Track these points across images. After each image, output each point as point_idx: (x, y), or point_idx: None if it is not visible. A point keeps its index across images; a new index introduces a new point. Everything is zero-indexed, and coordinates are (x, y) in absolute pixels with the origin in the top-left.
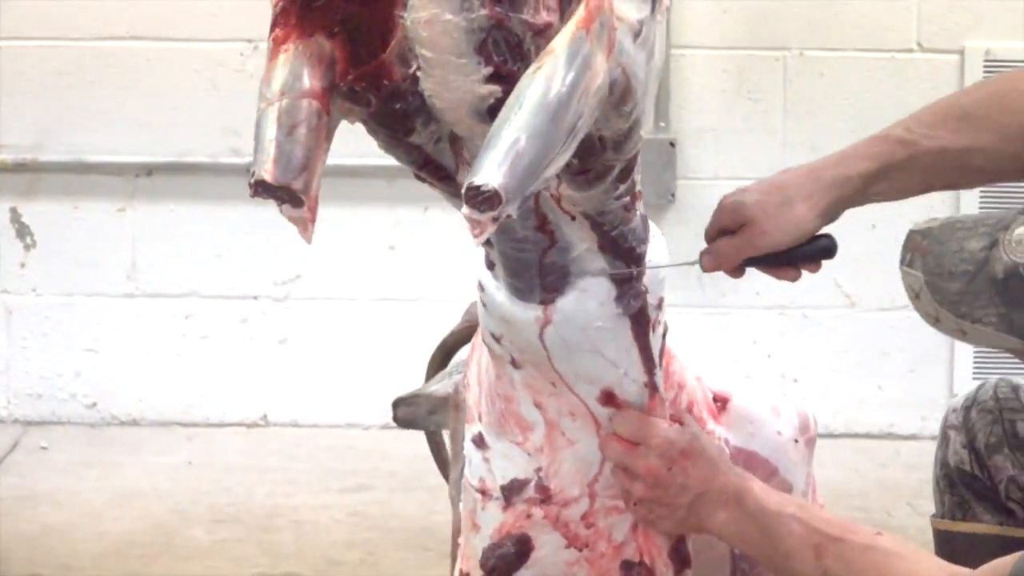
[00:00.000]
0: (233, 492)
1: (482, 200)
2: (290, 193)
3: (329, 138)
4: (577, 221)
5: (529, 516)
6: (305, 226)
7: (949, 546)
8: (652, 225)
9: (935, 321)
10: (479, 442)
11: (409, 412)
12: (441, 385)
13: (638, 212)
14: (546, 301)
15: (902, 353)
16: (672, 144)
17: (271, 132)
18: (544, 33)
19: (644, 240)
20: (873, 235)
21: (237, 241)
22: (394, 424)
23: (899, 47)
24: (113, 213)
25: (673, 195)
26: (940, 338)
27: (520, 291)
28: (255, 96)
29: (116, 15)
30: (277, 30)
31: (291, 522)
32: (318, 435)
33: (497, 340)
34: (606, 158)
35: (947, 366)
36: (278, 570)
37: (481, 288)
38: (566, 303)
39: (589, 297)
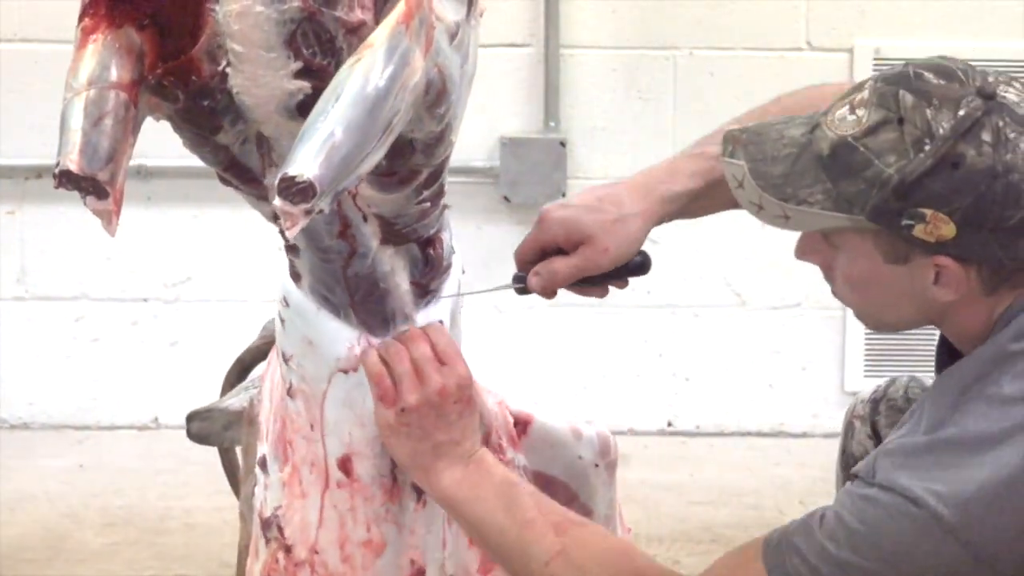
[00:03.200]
0: (125, 495)
1: (296, 191)
2: (95, 184)
3: (136, 132)
4: (369, 221)
5: (277, 561)
6: (110, 219)
7: None
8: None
9: (758, 209)
10: (262, 465)
11: (204, 427)
12: (237, 399)
13: (441, 213)
14: (369, 324)
15: (793, 352)
16: (562, 144)
17: (77, 122)
18: (357, 31)
19: (447, 243)
20: (763, 234)
21: (127, 243)
22: None
23: (788, 46)
24: (3, 216)
25: (564, 195)
26: (832, 337)
27: (333, 306)
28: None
29: (4, 16)
30: (86, 20)
31: (183, 525)
32: None
33: (286, 360)
34: (415, 161)
35: (838, 365)
36: (170, 573)
37: (285, 303)
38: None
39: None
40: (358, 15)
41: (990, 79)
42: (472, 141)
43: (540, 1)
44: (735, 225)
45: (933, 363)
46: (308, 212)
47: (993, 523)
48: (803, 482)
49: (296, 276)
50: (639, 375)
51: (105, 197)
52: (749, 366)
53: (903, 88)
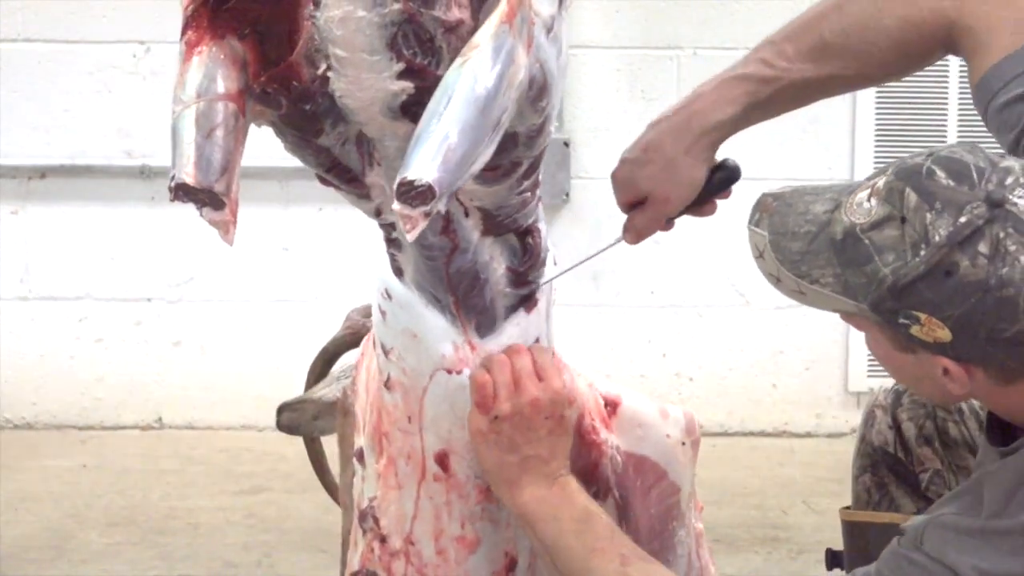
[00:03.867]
0: (128, 495)
1: (415, 195)
2: (212, 196)
3: (244, 140)
4: (470, 214)
5: (373, 550)
6: (227, 228)
7: (862, 537)
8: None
9: (776, 281)
10: (359, 457)
11: (293, 417)
12: (329, 390)
13: (537, 204)
14: (472, 323)
15: (797, 352)
16: (566, 144)
17: (190, 135)
18: (455, 30)
19: (543, 233)
20: None
21: (131, 243)
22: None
23: None
24: (6, 216)
25: (567, 195)
26: (835, 337)
27: (438, 303)
28: (148, 98)
29: (7, 16)
30: (190, 33)
31: (187, 524)
32: (213, 437)
33: (386, 353)
34: (517, 154)
35: (842, 365)
36: (174, 572)
37: (387, 296)
38: (492, 348)
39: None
40: (456, 14)
41: (1008, 181)
42: None
43: None
44: (739, 225)
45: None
46: (427, 214)
47: None
48: (807, 482)
49: (399, 271)
50: (643, 375)
51: (221, 208)
52: (753, 366)
53: (910, 186)
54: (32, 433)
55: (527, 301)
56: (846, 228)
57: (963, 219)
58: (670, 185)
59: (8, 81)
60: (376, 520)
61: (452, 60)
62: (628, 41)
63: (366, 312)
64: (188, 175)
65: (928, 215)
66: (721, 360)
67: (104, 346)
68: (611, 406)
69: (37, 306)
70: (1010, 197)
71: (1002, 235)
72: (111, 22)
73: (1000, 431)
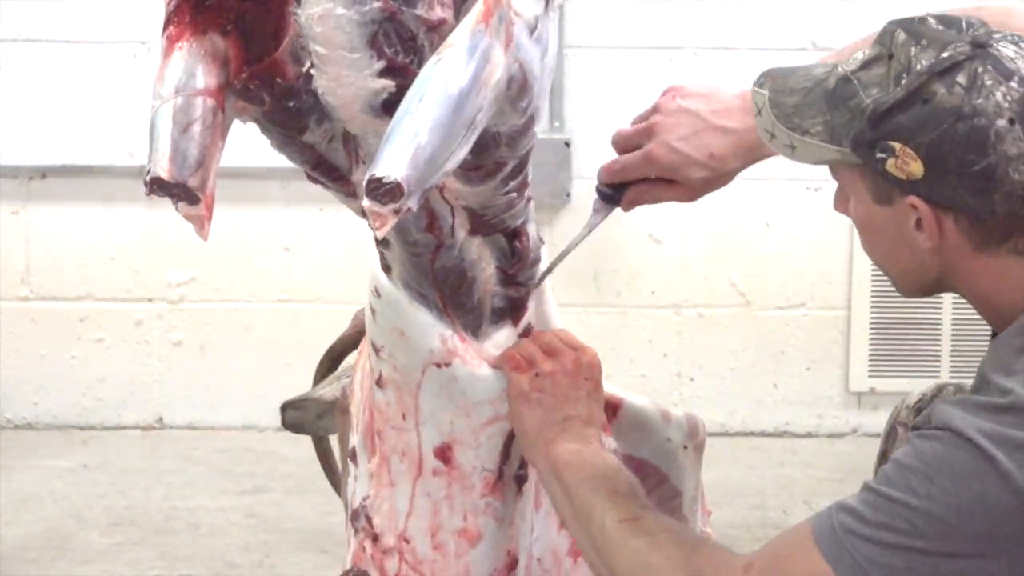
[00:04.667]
0: (129, 495)
1: (384, 192)
2: (186, 191)
3: (224, 136)
4: (456, 213)
5: (364, 549)
6: (202, 224)
7: None
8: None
9: (771, 137)
10: (352, 456)
11: (297, 416)
12: (329, 389)
13: (526, 205)
14: (459, 320)
15: (798, 352)
16: (567, 144)
17: (166, 129)
18: (438, 29)
19: (533, 235)
20: (768, 234)
21: (132, 243)
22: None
23: (793, 46)
24: (7, 216)
25: (568, 195)
26: (836, 337)
27: (425, 299)
28: (150, 98)
29: (8, 17)
30: (171, 28)
31: (188, 525)
32: (214, 437)
33: (376, 351)
34: (499, 154)
35: (843, 365)
36: (175, 573)
37: (376, 293)
38: (487, 347)
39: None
40: (438, 13)
41: (996, 34)
42: None
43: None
44: (740, 226)
45: (938, 366)
46: (397, 212)
47: None
48: (807, 482)
49: (387, 268)
50: (644, 375)
51: (196, 203)
52: (754, 366)
53: (901, 27)
54: (33, 433)
55: (517, 310)
56: (839, 76)
57: (946, 54)
58: (706, 189)
59: (9, 81)
60: (369, 519)
61: None
62: (629, 41)
63: None
64: (163, 169)
65: (913, 49)
66: (722, 360)
67: (105, 346)
68: (611, 408)
69: (38, 306)
70: (994, 43)
71: (980, 70)
72: (112, 22)
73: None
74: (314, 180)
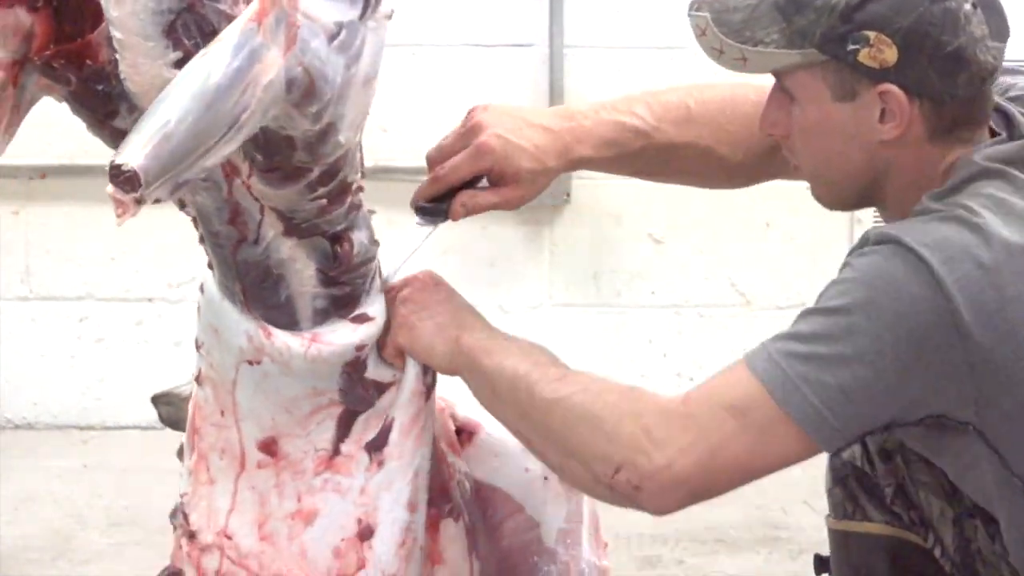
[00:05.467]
0: (130, 495)
1: (123, 180)
2: None
3: (20, 112)
4: (266, 212)
5: (181, 547)
6: None
7: (844, 545)
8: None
9: (719, 54)
10: (180, 455)
11: (171, 412)
12: (189, 386)
13: (349, 212)
14: (261, 314)
15: None
16: None
17: None
18: None
19: (361, 240)
20: (767, 234)
21: (132, 243)
22: None
23: None
24: (7, 216)
25: (568, 195)
26: None
27: (232, 294)
28: None
29: None
30: None
31: None
32: None
33: (197, 348)
34: (297, 158)
35: None
36: None
37: (202, 290)
38: (290, 343)
39: (324, 347)
40: (242, 8)
41: None
42: None
43: (545, 1)
44: (740, 226)
45: None
46: (138, 201)
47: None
48: (807, 482)
49: (210, 265)
50: (644, 375)
51: None
52: None
53: None
54: (33, 433)
55: (346, 307)
56: None
57: None
58: (533, 189)
59: None
60: (186, 516)
61: None
62: (629, 41)
63: None
64: None
65: None
66: (722, 360)
67: (105, 346)
68: (467, 432)
69: (38, 306)
70: None
71: None
72: None
73: None
74: None
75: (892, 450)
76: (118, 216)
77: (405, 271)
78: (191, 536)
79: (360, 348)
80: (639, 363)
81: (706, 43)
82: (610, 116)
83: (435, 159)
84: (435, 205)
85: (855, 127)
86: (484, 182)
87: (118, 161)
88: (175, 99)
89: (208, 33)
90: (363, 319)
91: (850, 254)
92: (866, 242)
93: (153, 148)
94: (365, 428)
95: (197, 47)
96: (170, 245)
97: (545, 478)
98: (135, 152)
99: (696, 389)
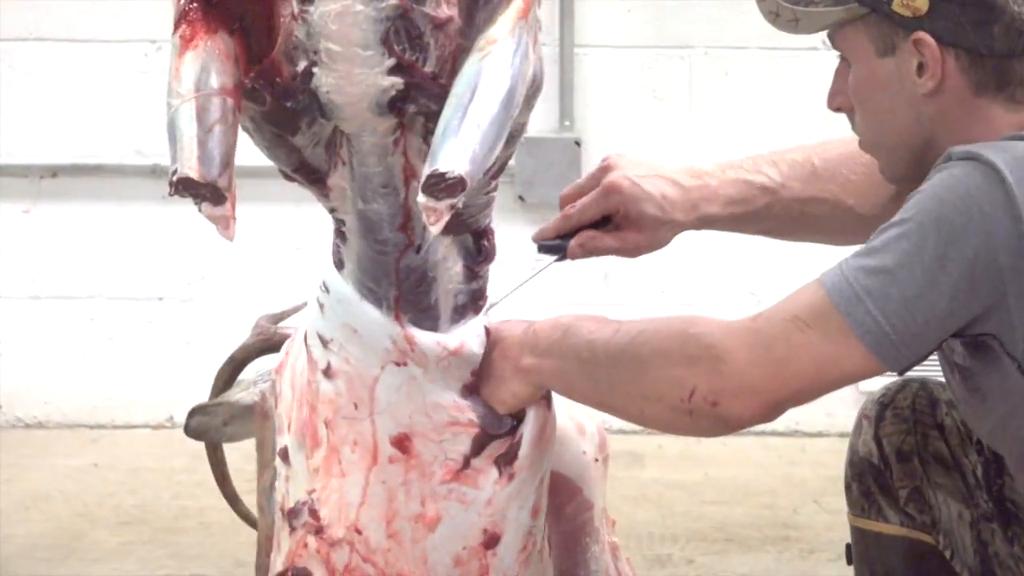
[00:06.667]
0: (139, 494)
1: (445, 187)
2: (214, 190)
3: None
4: None
5: (306, 545)
6: (227, 224)
7: (862, 542)
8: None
9: (775, 17)
10: (284, 456)
11: (203, 422)
12: (246, 394)
13: (488, 204)
14: (409, 316)
15: None
16: (577, 143)
17: (191, 129)
18: (444, 27)
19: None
20: (782, 241)
21: (142, 242)
22: None
23: (804, 45)
24: (17, 215)
25: None
26: None
27: (376, 297)
28: (160, 97)
29: (18, 15)
30: (184, 27)
31: (198, 524)
32: None
33: (324, 344)
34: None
35: None
36: (185, 572)
37: (325, 289)
38: (430, 343)
39: (466, 340)
40: (445, 11)
41: None
42: None
43: (555, 1)
44: None
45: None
46: (452, 207)
47: None
48: (818, 481)
49: (340, 264)
50: None
51: (223, 203)
52: None
53: None
54: (43, 432)
55: (478, 300)
56: None
57: None
58: (655, 240)
59: (19, 80)
60: (314, 512)
61: (438, 57)
62: (639, 40)
63: (275, 319)
64: (192, 169)
65: None
66: None
67: (115, 345)
68: None
69: (48, 305)
70: None
71: None
72: (122, 21)
73: None
74: (290, 179)
75: (909, 452)
76: (432, 224)
77: (510, 299)
78: (319, 532)
79: None
80: None
81: (764, 7)
82: (736, 175)
83: (567, 198)
84: (556, 243)
85: (899, 82)
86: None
87: (441, 169)
88: (477, 103)
89: (415, 37)
90: (488, 334)
91: (934, 168)
92: (949, 158)
93: (472, 154)
94: (498, 445)
95: (405, 52)
96: (180, 244)
97: (596, 460)
98: (457, 159)
99: (768, 308)
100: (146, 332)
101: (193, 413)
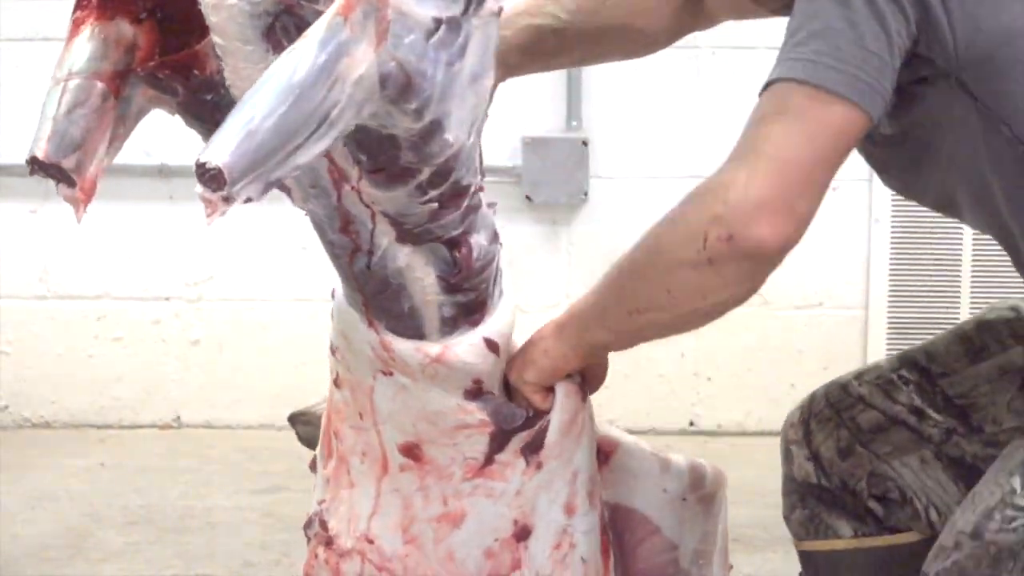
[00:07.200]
0: (146, 494)
1: (208, 179)
2: (61, 172)
3: (126, 124)
4: (377, 218)
5: (316, 556)
6: (77, 206)
7: (811, 566)
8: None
9: None
10: (312, 467)
11: (310, 431)
12: (325, 402)
13: (465, 216)
14: (383, 323)
15: (815, 351)
16: (584, 143)
17: (51, 110)
18: None
19: (480, 244)
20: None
21: (149, 242)
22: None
23: None
24: (25, 215)
25: (586, 194)
26: (853, 336)
27: (353, 302)
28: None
29: (23, 15)
30: (78, 11)
31: (205, 524)
32: (231, 436)
33: (332, 352)
34: (404, 159)
35: (860, 364)
36: (192, 572)
37: (333, 295)
38: (408, 349)
39: (441, 368)
40: None
41: None
42: (494, 141)
43: None
44: None
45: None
46: (227, 200)
47: None
48: None
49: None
50: (661, 375)
51: (72, 185)
52: (771, 366)
53: None
54: (50, 432)
55: (473, 313)
56: None
57: None
58: None
59: (26, 80)
60: (324, 523)
61: None
62: None
63: None
64: (39, 149)
65: None
66: (739, 360)
67: (123, 345)
68: (604, 453)
69: (55, 305)
70: None
71: None
72: None
73: None
74: None
75: (848, 444)
76: (207, 216)
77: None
78: (328, 543)
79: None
80: (656, 362)
81: None
82: (526, 21)
83: None
84: None
85: None
86: None
87: (202, 159)
88: (260, 96)
89: None
90: (493, 346)
91: None
92: None
93: (237, 146)
94: (522, 438)
95: None
96: (188, 244)
97: (684, 499)
98: (219, 150)
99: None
100: (153, 332)
101: (295, 421)
